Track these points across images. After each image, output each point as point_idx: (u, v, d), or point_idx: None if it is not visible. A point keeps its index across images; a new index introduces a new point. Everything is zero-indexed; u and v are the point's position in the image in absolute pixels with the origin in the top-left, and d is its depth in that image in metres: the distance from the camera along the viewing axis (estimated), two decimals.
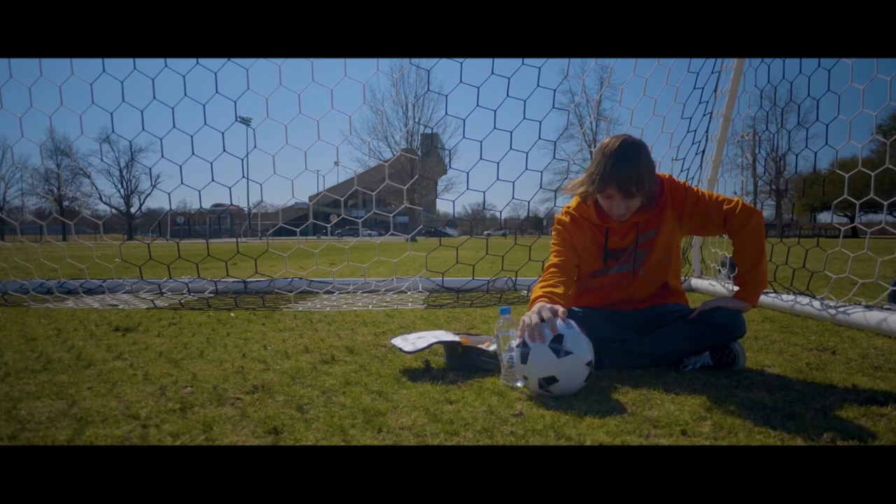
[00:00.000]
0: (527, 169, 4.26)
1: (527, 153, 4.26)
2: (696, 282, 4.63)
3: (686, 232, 2.16)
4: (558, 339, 1.67)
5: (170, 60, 3.68)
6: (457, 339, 2.05)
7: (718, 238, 4.57)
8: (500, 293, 4.38)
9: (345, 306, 3.81)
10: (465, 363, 2.01)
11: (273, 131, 4.63)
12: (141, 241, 29.55)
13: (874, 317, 2.64)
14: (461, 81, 4.12)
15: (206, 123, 4.15)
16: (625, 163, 1.89)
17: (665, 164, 4.93)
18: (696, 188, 2.12)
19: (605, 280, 2.17)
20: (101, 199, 49.44)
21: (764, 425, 1.39)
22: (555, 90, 4.21)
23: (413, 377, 1.90)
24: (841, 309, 2.89)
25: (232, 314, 3.44)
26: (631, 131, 4.76)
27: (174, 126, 4.08)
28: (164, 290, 4.63)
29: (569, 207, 2.19)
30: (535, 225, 29.65)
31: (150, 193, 50.86)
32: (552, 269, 2.06)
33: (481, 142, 4.27)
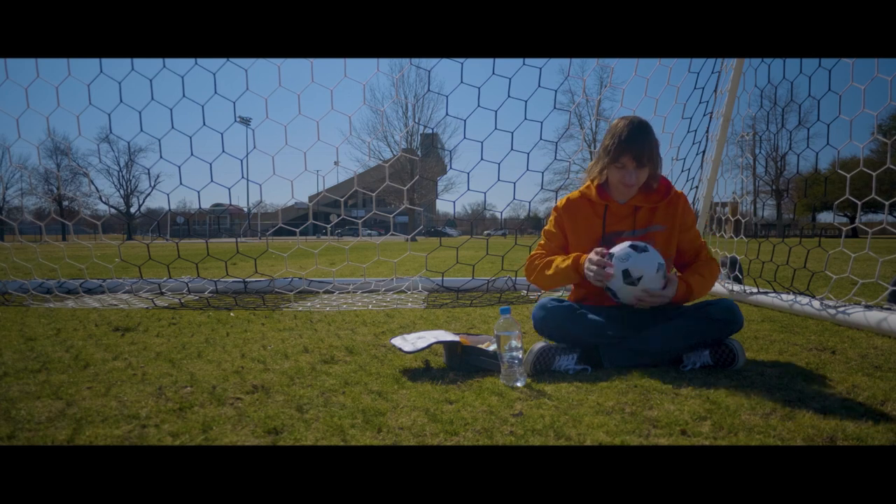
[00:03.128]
0: (528, 170, 4.26)
1: (528, 154, 4.26)
2: None
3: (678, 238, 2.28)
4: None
5: (168, 61, 3.68)
6: (457, 338, 2.05)
7: (719, 238, 4.57)
8: (499, 293, 4.38)
9: (344, 306, 3.81)
10: (464, 363, 2.00)
11: (273, 132, 4.64)
12: (140, 241, 29.54)
13: (874, 317, 2.63)
14: (462, 82, 4.11)
15: (204, 124, 4.14)
16: (638, 135, 2.07)
17: (666, 164, 4.92)
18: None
19: None
20: (100, 199, 49.52)
21: (764, 425, 1.39)
22: (556, 91, 4.21)
23: (413, 377, 1.90)
24: (841, 309, 2.89)
25: (231, 314, 3.44)
26: None
27: (173, 127, 4.08)
28: (163, 290, 4.63)
29: (569, 196, 2.32)
30: (534, 225, 29.68)
31: (149, 194, 50.95)
32: (541, 252, 2.28)
33: (482, 142, 4.27)
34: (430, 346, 2.04)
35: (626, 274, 1.96)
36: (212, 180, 4.16)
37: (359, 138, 33.19)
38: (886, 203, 3.06)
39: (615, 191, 2.18)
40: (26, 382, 1.87)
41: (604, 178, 2.18)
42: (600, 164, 2.15)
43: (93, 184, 48.11)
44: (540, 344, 1.99)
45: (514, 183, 4.22)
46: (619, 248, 2.01)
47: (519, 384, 1.77)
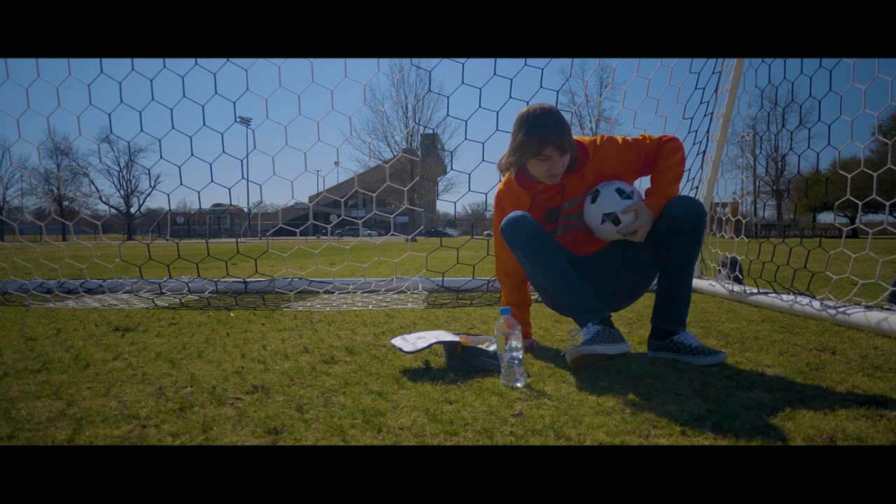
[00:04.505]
0: None
1: None
2: (696, 282, 4.63)
3: (621, 172, 2.21)
4: None
5: (168, 61, 3.68)
6: (457, 339, 2.05)
7: (719, 238, 4.57)
8: (499, 293, 4.38)
9: (344, 306, 3.81)
10: (464, 363, 2.00)
11: (273, 132, 4.64)
12: (140, 241, 29.56)
13: (874, 317, 2.63)
14: (463, 83, 4.11)
15: (205, 124, 4.14)
16: (553, 123, 2.03)
17: None
18: (619, 137, 2.21)
19: (567, 236, 2.30)
20: (100, 199, 49.62)
21: (764, 425, 1.39)
22: (558, 91, 4.20)
23: (413, 377, 1.90)
24: (841, 309, 2.88)
25: (231, 314, 3.44)
26: (633, 132, 4.76)
27: (173, 127, 4.08)
28: (164, 290, 4.63)
29: (503, 183, 2.32)
30: None
31: (149, 194, 51.08)
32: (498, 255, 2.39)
33: (483, 143, 4.27)
34: (430, 346, 2.04)
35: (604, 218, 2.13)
36: (212, 180, 4.16)
37: (359, 138, 33.30)
38: (887, 203, 3.06)
39: (542, 178, 2.13)
40: (26, 382, 1.87)
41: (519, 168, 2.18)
42: (514, 158, 2.11)
43: (93, 184, 48.29)
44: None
45: None
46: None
47: (519, 384, 1.76)
